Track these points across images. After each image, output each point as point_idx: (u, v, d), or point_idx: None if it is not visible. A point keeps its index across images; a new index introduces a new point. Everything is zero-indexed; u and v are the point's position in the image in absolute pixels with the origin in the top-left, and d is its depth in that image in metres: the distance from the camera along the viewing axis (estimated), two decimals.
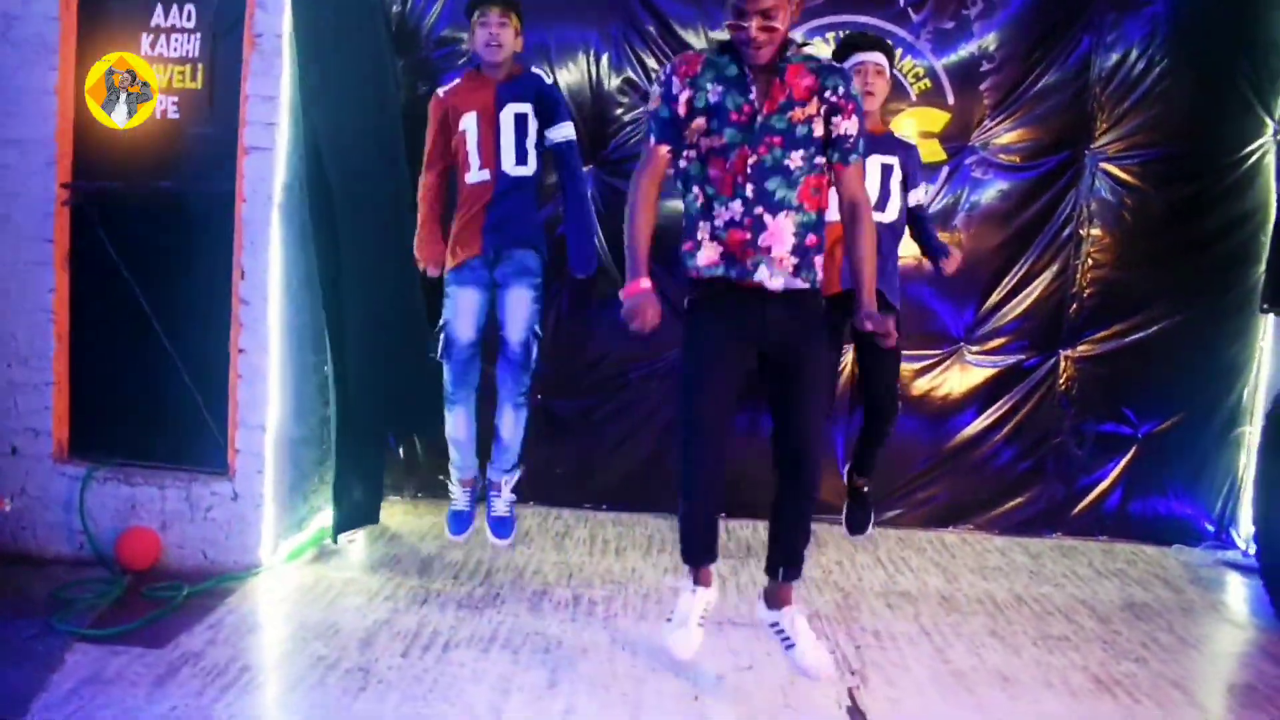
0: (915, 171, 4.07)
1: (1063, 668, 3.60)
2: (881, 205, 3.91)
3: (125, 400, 4.11)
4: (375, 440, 4.49)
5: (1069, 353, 5.02)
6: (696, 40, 4.83)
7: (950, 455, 5.01)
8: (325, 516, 4.41)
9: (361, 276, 4.08)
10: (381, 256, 4.17)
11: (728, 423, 3.02)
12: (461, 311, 3.76)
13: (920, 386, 4.97)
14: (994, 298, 4.98)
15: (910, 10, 4.82)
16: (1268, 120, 4.90)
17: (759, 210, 2.82)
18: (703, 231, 2.89)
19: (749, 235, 2.83)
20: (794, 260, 2.87)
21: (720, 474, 2.97)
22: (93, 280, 4.06)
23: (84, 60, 3.99)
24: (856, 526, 4.37)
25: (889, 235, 3.94)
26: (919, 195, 4.12)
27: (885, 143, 4.00)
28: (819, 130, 2.84)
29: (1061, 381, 5.03)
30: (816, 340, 2.99)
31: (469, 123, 3.72)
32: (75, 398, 4.11)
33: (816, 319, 3.00)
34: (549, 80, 3.92)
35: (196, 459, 4.08)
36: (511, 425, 3.92)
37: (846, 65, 3.83)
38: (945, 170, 4.91)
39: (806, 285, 2.92)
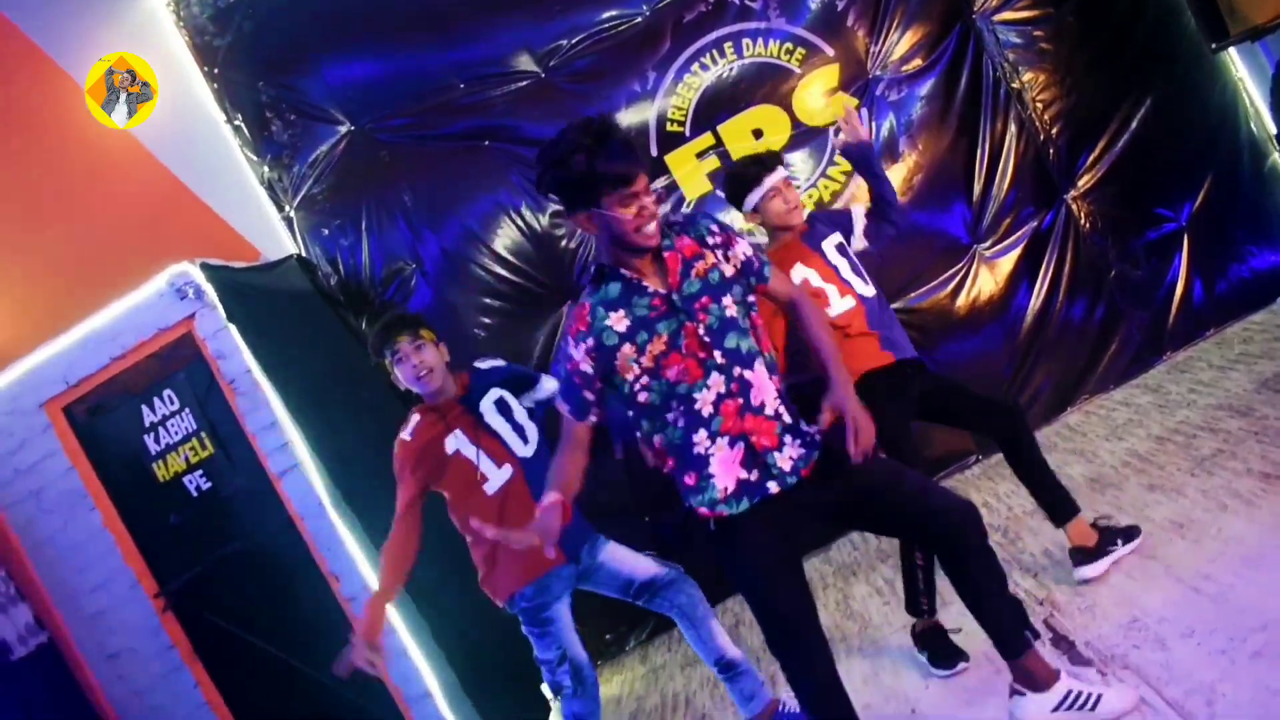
0: (849, 221, 3.67)
1: (1228, 482, 3.57)
2: (863, 278, 3.55)
3: None
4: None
5: (1073, 194, 5.02)
6: None
7: (1026, 346, 5.00)
8: None
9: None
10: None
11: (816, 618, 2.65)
12: (570, 627, 3.35)
13: (962, 304, 4.98)
14: (976, 188, 5.01)
15: (748, 3, 4.97)
16: None
17: (736, 370, 2.56)
18: (700, 443, 2.58)
19: (740, 400, 2.56)
20: (786, 413, 2.63)
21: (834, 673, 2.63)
22: (224, 657, 4.36)
23: (110, 484, 4.35)
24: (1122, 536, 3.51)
25: (878, 304, 3.54)
26: (860, 217, 3.67)
27: (819, 231, 3.60)
28: (729, 271, 2.62)
29: (1083, 221, 5.02)
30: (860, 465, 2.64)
31: (459, 442, 3.36)
32: None
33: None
34: (498, 360, 3.58)
35: None
36: (725, 637, 3.49)
37: (751, 203, 3.55)
38: (865, 112, 4.99)
39: (813, 449, 2.65)
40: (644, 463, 2.83)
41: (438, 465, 3.34)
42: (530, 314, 4.97)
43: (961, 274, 5.02)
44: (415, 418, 3.39)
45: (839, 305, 3.44)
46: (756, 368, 2.58)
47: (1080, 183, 5.02)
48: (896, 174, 4.97)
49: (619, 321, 2.56)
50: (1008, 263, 5.02)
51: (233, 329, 4.15)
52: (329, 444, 4.24)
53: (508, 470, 3.37)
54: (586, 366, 2.59)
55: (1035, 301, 5.01)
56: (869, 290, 3.53)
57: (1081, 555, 3.47)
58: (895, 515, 2.69)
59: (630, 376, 2.57)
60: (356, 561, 4.20)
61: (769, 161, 3.58)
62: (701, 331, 2.55)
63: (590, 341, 2.58)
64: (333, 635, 4.24)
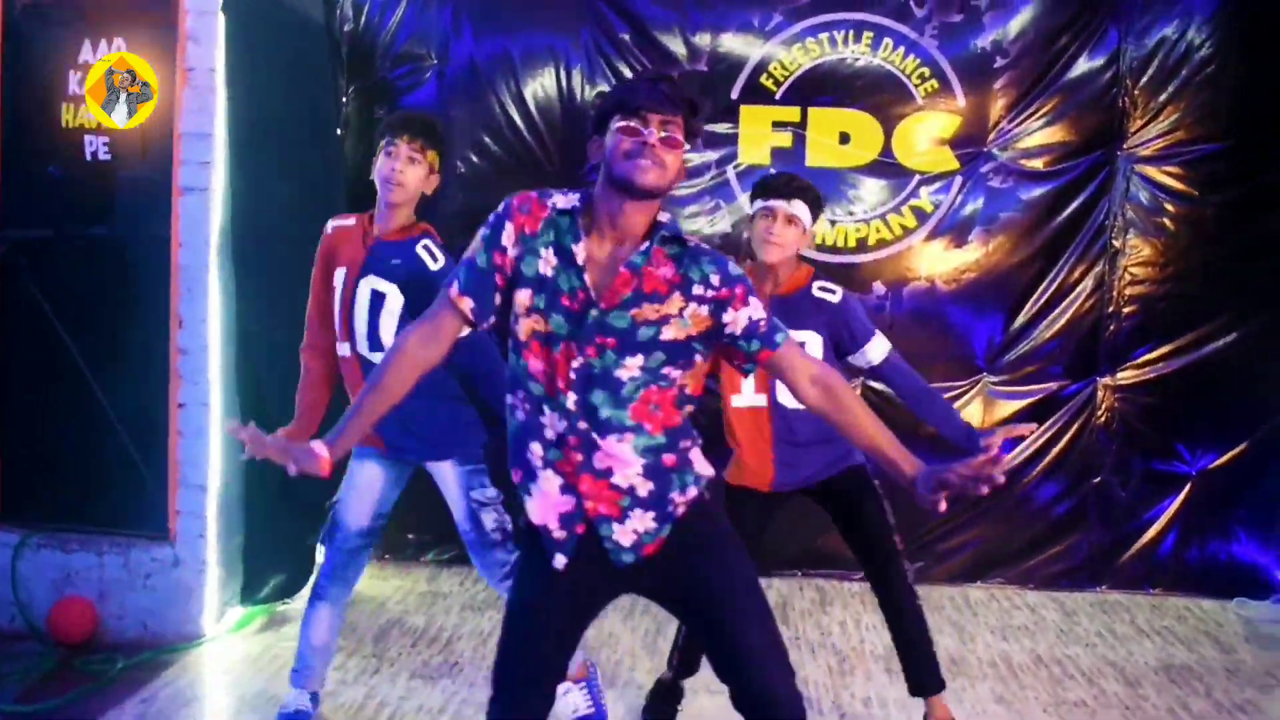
0: (850, 327, 3.61)
1: None
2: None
3: (60, 461, 4.59)
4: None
5: (1108, 380, 5.35)
6: (676, 46, 5.26)
7: (976, 500, 5.30)
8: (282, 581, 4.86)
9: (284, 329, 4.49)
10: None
11: (550, 678, 2.54)
12: (358, 489, 3.66)
13: None
14: (1020, 319, 5.34)
15: (913, 4, 5.20)
16: None
17: (583, 425, 2.41)
18: (534, 455, 2.46)
19: (580, 456, 2.42)
20: (649, 487, 2.46)
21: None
22: (23, 334, 4.56)
23: (6, 98, 4.53)
24: None
25: (811, 419, 3.15)
26: (875, 351, 3.63)
27: (794, 308, 3.53)
28: (673, 334, 2.42)
29: (1101, 413, 5.35)
30: (720, 550, 2.57)
31: (338, 279, 3.59)
32: (6, 460, 4.61)
33: (710, 533, 2.58)
34: (438, 261, 3.49)
35: (136, 522, 4.55)
36: None
37: (753, 209, 3.64)
38: (958, 180, 5.27)
39: (667, 522, 2.50)
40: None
41: (326, 279, 3.64)
42: (518, 182, 5.10)
43: (956, 395, 5.31)
44: (351, 220, 3.66)
45: (747, 398, 3.62)
46: (611, 441, 2.42)
47: (1121, 375, 5.35)
48: (951, 259, 5.29)
49: (546, 264, 2.43)
50: (1007, 408, 5.36)
51: (222, 18, 4.33)
52: (248, 189, 4.46)
53: (346, 349, 3.58)
54: (506, 269, 2.46)
55: (1011, 460, 5.32)
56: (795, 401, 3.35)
57: None
58: (719, 655, 2.57)
59: (517, 316, 2.46)
60: (209, 316, 4.41)
61: (792, 190, 3.58)
62: (576, 364, 2.41)
63: (519, 251, 2.45)
64: (147, 376, 4.49)
